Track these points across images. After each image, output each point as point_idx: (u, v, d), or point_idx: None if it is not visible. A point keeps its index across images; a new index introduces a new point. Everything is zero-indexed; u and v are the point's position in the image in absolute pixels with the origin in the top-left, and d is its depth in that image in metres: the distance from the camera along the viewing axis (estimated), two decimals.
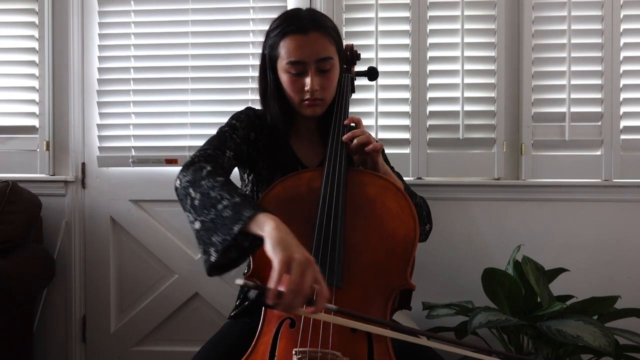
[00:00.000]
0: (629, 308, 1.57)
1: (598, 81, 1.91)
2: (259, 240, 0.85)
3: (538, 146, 1.92)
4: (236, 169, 1.30)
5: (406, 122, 1.95)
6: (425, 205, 1.28)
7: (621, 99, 1.90)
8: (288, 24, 1.15)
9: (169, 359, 2.01)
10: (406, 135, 1.95)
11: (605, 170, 1.90)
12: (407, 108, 1.95)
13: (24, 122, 2.05)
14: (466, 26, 1.93)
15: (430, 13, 1.94)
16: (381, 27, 1.96)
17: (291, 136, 1.28)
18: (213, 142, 1.14)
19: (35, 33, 2.03)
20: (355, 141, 1.11)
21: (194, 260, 2.00)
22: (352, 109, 1.96)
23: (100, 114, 2.03)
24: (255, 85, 1.29)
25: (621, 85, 1.90)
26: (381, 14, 1.96)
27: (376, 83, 1.94)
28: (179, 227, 2.01)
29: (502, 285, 1.53)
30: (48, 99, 2.03)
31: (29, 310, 1.91)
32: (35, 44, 2.04)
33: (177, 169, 2.04)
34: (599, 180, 1.90)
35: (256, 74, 1.27)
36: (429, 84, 1.94)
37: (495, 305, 1.60)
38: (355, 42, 1.94)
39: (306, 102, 1.17)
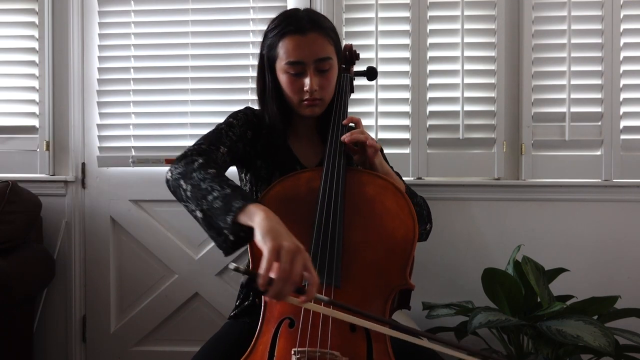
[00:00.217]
0: (629, 308, 1.57)
1: (598, 81, 1.91)
2: (252, 231, 0.87)
3: (538, 146, 1.92)
4: (235, 169, 1.30)
5: (406, 122, 1.95)
6: (425, 204, 1.28)
7: (621, 99, 1.90)
8: (286, 25, 1.15)
9: (169, 359, 2.01)
10: (406, 135, 1.95)
11: (605, 170, 1.90)
12: (407, 108, 1.95)
13: (24, 122, 2.06)
14: (466, 26, 1.93)
15: (430, 13, 1.94)
16: (381, 27, 1.96)
17: (290, 136, 1.28)
18: (208, 138, 1.15)
19: (35, 33, 2.03)
20: (351, 136, 1.11)
21: (194, 260, 2.00)
22: (352, 109, 1.97)
23: (100, 114, 2.03)
24: (255, 85, 1.29)
25: (621, 85, 1.90)
26: (381, 14, 1.96)
27: (376, 83, 1.94)
28: (179, 227, 2.01)
29: (502, 285, 1.53)
30: (48, 99, 2.03)
31: (29, 310, 1.91)
32: (35, 44, 2.04)
33: None
34: (599, 180, 1.90)
35: (256, 74, 1.27)
36: (429, 84, 1.94)
37: (495, 305, 1.60)
38: (355, 42, 1.95)
39: (305, 102, 1.17)
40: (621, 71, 1.90)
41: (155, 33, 2.03)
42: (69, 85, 2.03)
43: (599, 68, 1.91)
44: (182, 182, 1.00)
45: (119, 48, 2.03)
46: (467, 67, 1.93)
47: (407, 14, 1.95)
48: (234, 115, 1.25)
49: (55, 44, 2.04)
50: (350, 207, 1.04)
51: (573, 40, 1.91)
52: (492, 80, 1.93)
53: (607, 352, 1.30)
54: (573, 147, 1.92)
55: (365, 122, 1.94)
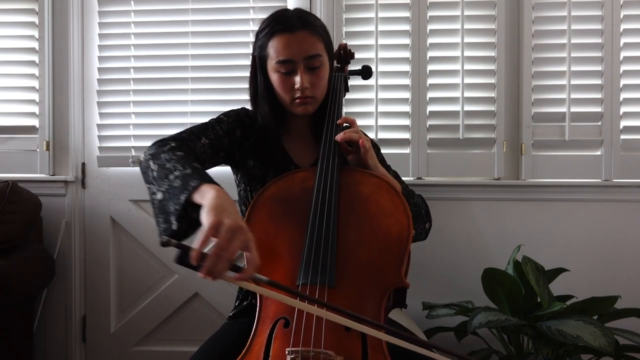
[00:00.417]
0: (629, 308, 1.57)
1: (598, 81, 1.91)
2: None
3: (538, 146, 1.92)
4: (230, 172, 1.31)
5: (406, 122, 1.95)
6: (424, 204, 1.28)
7: (621, 99, 1.90)
8: (275, 24, 1.16)
9: (169, 359, 2.01)
10: (406, 135, 1.95)
11: (605, 170, 1.90)
12: (407, 108, 1.95)
13: (24, 122, 2.06)
14: (466, 26, 1.93)
15: (430, 13, 1.94)
16: (381, 27, 1.96)
17: (284, 136, 1.28)
18: (191, 128, 1.18)
19: (35, 33, 2.03)
20: (344, 135, 1.11)
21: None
22: (352, 109, 1.97)
23: (100, 114, 2.03)
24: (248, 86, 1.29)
25: (621, 85, 1.90)
26: (381, 14, 1.96)
27: (376, 83, 1.94)
28: None
29: (502, 285, 1.53)
30: (48, 99, 2.03)
31: (29, 310, 1.91)
32: (35, 44, 2.04)
33: None
34: (599, 180, 1.90)
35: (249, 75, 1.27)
36: (429, 84, 1.94)
37: (495, 305, 1.60)
38: (355, 42, 1.95)
39: (297, 100, 1.17)
40: (621, 71, 1.90)
41: (155, 33, 2.03)
42: (69, 85, 2.03)
43: (599, 68, 1.91)
44: (151, 162, 1.01)
45: (119, 48, 2.03)
46: (467, 67, 1.93)
47: (407, 14, 1.95)
48: (226, 113, 1.27)
49: (55, 44, 2.04)
50: (344, 207, 1.04)
51: (573, 40, 1.91)
52: (492, 80, 1.93)
53: (607, 352, 1.30)
54: (573, 147, 1.92)
55: (365, 122, 1.95)
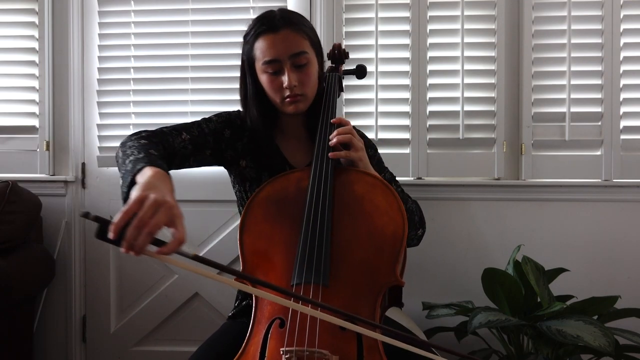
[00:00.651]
0: (629, 308, 1.57)
1: (598, 81, 1.91)
2: None
3: (538, 146, 1.92)
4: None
5: (406, 122, 1.95)
6: (418, 210, 1.27)
7: (621, 99, 1.90)
8: (260, 25, 1.16)
9: (169, 359, 2.00)
10: (406, 135, 1.95)
11: (605, 170, 1.90)
12: (407, 108, 1.95)
13: (24, 122, 2.06)
14: (466, 26, 1.93)
15: (430, 13, 1.94)
16: (381, 27, 1.96)
17: (278, 136, 1.28)
18: (177, 124, 1.20)
19: (35, 33, 2.03)
20: (334, 139, 1.12)
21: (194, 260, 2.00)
22: (353, 108, 1.97)
23: (100, 114, 2.03)
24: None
25: (621, 85, 1.90)
26: (381, 14, 1.96)
27: (376, 83, 1.94)
28: None
29: (502, 285, 1.53)
30: (48, 99, 2.03)
31: (29, 310, 1.91)
32: (35, 44, 2.04)
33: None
34: (599, 180, 1.90)
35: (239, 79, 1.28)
36: (429, 84, 1.94)
37: (495, 305, 1.60)
38: (355, 42, 1.95)
39: (287, 99, 1.18)
40: (621, 71, 1.90)
41: (155, 33, 2.03)
42: (69, 85, 2.03)
43: (599, 68, 1.91)
44: (119, 150, 1.04)
45: (119, 48, 2.03)
46: (467, 67, 1.93)
47: (407, 14, 1.95)
48: (218, 113, 1.29)
49: (55, 44, 2.04)
50: (339, 206, 1.04)
51: (573, 40, 1.91)
52: (492, 80, 1.93)
53: (607, 352, 1.30)
54: (573, 147, 1.92)
55: (365, 122, 1.95)
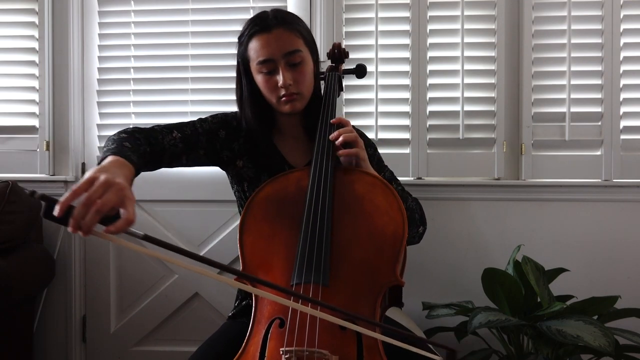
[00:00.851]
0: (629, 308, 1.57)
1: (598, 81, 1.91)
2: None
3: (538, 146, 1.92)
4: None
5: (406, 122, 1.95)
6: (418, 207, 1.27)
7: (621, 99, 1.90)
8: (253, 26, 1.17)
9: (169, 359, 2.00)
10: (406, 135, 1.95)
11: (605, 170, 1.90)
12: (407, 108, 1.95)
13: (24, 122, 2.05)
14: (466, 26, 1.93)
15: (430, 13, 1.94)
16: (381, 27, 1.96)
17: (276, 136, 1.28)
18: (170, 123, 1.21)
19: (35, 33, 2.03)
20: (341, 138, 1.12)
21: (193, 261, 2.00)
22: (353, 108, 1.97)
23: (100, 114, 2.03)
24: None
25: (621, 85, 1.90)
26: (381, 14, 1.96)
27: (376, 83, 1.94)
28: (179, 227, 2.01)
29: (502, 285, 1.53)
30: (48, 99, 2.03)
31: (29, 310, 1.91)
32: (35, 44, 2.04)
33: (177, 168, 2.05)
34: (599, 180, 1.90)
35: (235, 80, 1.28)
36: (429, 84, 1.94)
37: (495, 305, 1.60)
38: (355, 42, 1.95)
39: (283, 98, 1.17)
40: (621, 71, 1.90)
41: (155, 33, 2.03)
42: (69, 85, 2.03)
43: (599, 68, 1.91)
44: (105, 146, 1.06)
45: (119, 48, 2.03)
46: (467, 67, 1.93)
47: (407, 14, 1.95)
48: (214, 114, 1.29)
49: (55, 44, 2.04)
50: (339, 206, 1.04)
51: (573, 40, 1.91)
52: (492, 80, 1.93)
53: (607, 352, 1.30)
54: (573, 147, 1.92)
55: (365, 122, 1.95)
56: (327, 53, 1.42)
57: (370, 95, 1.95)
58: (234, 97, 1.97)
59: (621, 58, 1.90)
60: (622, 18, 1.90)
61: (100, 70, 2.03)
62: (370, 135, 1.90)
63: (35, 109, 2.04)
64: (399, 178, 1.36)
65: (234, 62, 1.97)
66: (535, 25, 1.92)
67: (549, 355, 1.49)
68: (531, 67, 1.92)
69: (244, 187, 1.25)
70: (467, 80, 1.93)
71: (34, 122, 2.04)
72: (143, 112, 2.02)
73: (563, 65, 1.91)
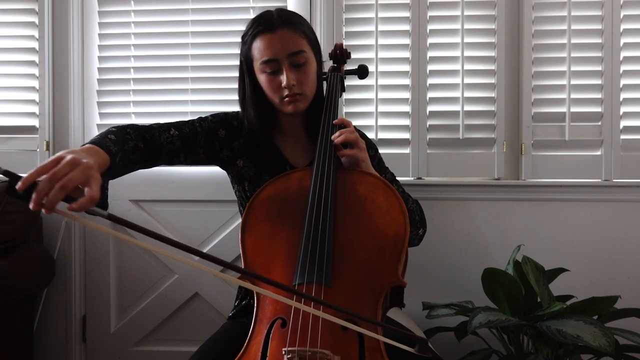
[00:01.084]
0: (629, 308, 1.57)
1: (598, 81, 1.91)
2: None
3: (538, 146, 1.92)
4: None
5: (406, 122, 1.95)
6: (419, 209, 1.27)
7: (621, 99, 1.90)
8: (257, 25, 1.17)
9: (169, 359, 2.00)
10: (406, 135, 1.95)
11: (605, 170, 1.90)
12: (407, 108, 1.95)
13: (24, 122, 2.05)
14: (466, 26, 1.93)
15: (430, 13, 1.94)
16: (381, 27, 1.96)
17: (277, 136, 1.28)
18: (170, 122, 1.22)
19: (35, 33, 2.03)
20: (341, 137, 1.12)
21: (194, 260, 2.00)
22: (352, 108, 1.97)
23: (100, 114, 2.03)
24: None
25: (621, 85, 1.90)
26: (381, 14, 1.96)
27: (376, 83, 1.94)
28: (179, 227, 2.01)
29: (502, 285, 1.53)
30: (48, 99, 2.03)
31: (29, 310, 1.91)
32: (35, 44, 2.03)
33: (177, 168, 2.05)
34: (599, 180, 1.90)
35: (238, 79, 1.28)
36: (429, 84, 1.94)
37: (495, 305, 1.60)
38: (355, 42, 1.95)
39: (286, 99, 1.17)
40: (621, 71, 1.90)
41: (155, 33, 2.03)
42: (69, 85, 2.03)
43: (599, 68, 1.91)
44: None
45: (119, 48, 2.03)
46: (467, 67, 1.93)
47: (407, 14, 1.95)
48: (215, 113, 1.29)
49: (55, 44, 2.04)
50: (341, 206, 1.04)
51: (573, 40, 1.91)
52: (492, 80, 1.93)
53: (607, 352, 1.30)
54: (573, 147, 1.92)
55: (365, 122, 1.95)
56: (329, 54, 1.42)
57: (370, 95, 1.95)
58: (234, 97, 1.97)
59: (621, 58, 1.90)
60: (622, 18, 1.90)
61: (100, 70, 2.03)
62: (370, 135, 1.90)
63: (35, 109, 2.04)
64: (399, 178, 1.36)
65: (234, 62, 1.97)
66: (535, 25, 1.92)
67: (549, 355, 1.49)
68: (531, 67, 1.92)
69: (245, 187, 1.25)
70: (467, 80, 1.93)
71: (34, 122, 2.04)
72: (143, 112, 2.02)
73: (563, 65, 1.91)
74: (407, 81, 1.95)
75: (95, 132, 2.03)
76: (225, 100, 1.99)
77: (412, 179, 1.94)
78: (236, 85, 1.96)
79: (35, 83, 2.04)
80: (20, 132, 2.05)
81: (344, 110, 1.96)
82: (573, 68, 1.91)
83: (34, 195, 0.72)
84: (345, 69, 1.43)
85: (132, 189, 2.02)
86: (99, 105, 2.03)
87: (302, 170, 1.14)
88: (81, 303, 2.04)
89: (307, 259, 0.96)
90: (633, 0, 1.90)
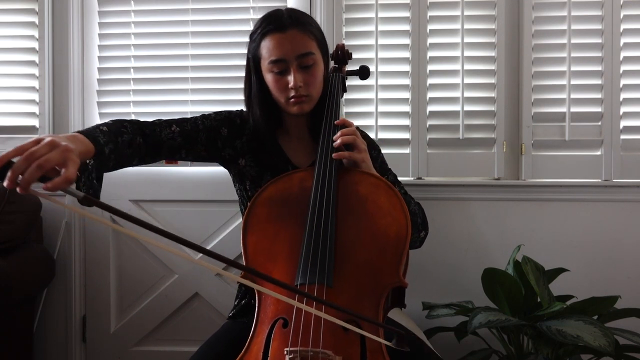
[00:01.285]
0: (629, 308, 1.57)
1: (598, 81, 1.91)
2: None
3: (538, 146, 1.92)
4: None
5: (406, 122, 1.95)
6: (421, 212, 1.27)
7: (621, 99, 1.90)
8: (267, 24, 1.16)
9: (169, 359, 2.00)
10: (406, 135, 1.95)
11: (605, 170, 1.90)
12: (407, 108, 1.95)
13: (24, 122, 2.05)
14: (466, 26, 1.93)
15: (430, 13, 1.94)
16: (381, 27, 1.96)
17: (281, 136, 1.28)
18: (172, 118, 1.22)
19: (35, 33, 2.03)
20: (338, 140, 1.12)
21: (194, 260, 2.00)
22: (352, 108, 1.97)
23: (100, 114, 2.03)
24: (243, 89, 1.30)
25: (621, 85, 1.90)
26: (381, 14, 1.96)
27: (376, 83, 1.94)
28: (179, 227, 2.01)
29: (502, 285, 1.53)
30: (48, 99, 2.03)
31: (29, 310, 1.91)
32: (35, 44, 2.04)
33: (177, 169, 2.05)
34: (599, 180, 1.90)
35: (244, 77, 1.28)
36: (429, 84, 1.94)
37: (495, 305, 1.60)
38: (355, 42, 1.95)
39: (292, 100, 1.17)
40: (621, 71, 1.90)
41: (155, 33, 2.03)
42: (69, 85, 2.03)
43: (599, 68, 1.91)
44: None
45: (119, 48, 2.03)
46: (467, 67, 1.93)
47: (407, 14, 1.95)
48: (218, 111, 1.29)
49: (55, 44, 2.04)
50: (342, 207, 1.04)
51: (573, 40, 1.91)
52: (492, 80, 1.93)
53: (607, 352, 1.30)
54: (573, 147, 1.92)
55: (365, 122, 1.95)
56: (331, 54, 1.42)
57: (370, 95, 1.95)
58: (234, 97, 1.99)
59: (621, 58, 1.90)
60: (622, 18, 1.90)
61: (100, 70, 2.03)
62: (371, 135, 1.89)
63: (35, 109, 2.04)
64: (399, 178, 1.36)
65: (235, 62, 2.00)
66: (535, 25, 1.92)
67: (549, 355, 1.49)
68: (531, 67, 1.92)
69: (246, 186, 1.25)
70: (467, 80, 1.93)
71: (34, 122, 2.04)
72: (143, 112, 2.02)
73: (563, 65, 1.91)
74: (407, 81, 1.95)
75: None
76: (226, 100, 2.00)
77: (412, 179, 1.94)
78: (236, 86, 1.99)
79: (35, 83, 2.04)
80: (20, 132, 2.05)
81: (344, 110, 1.96)
82: (573, 68, 1.91)
83: (9, 173, 0.72)
84: (346, 69, 1.43)
85: (132, 189, 2.02)
86: (99, 105, 2.03)
87: (304, 170, 1.14)
88: (81, 303, 2.04)
89: (309, 259, 0.95)
90: (633, 0, 1.90)
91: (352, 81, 1.83)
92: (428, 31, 1.94)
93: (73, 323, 2.03)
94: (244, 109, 1.29)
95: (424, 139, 1.94)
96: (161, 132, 1.16)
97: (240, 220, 1.87)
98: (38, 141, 0.77)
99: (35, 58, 2.03)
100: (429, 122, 1.94)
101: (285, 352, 0.86)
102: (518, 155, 1.94)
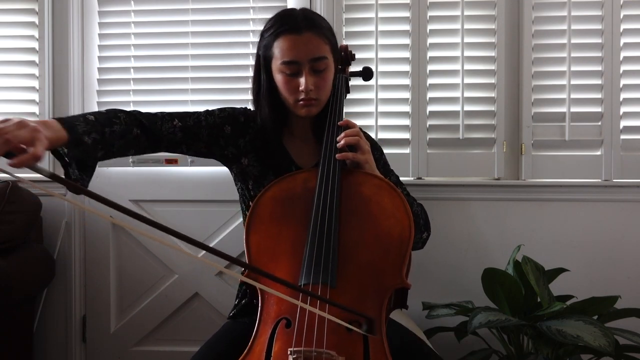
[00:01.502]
0: (629, 308, 1.57)
1: (598, 81, 1.91)
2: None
3: (538, 146, 1.92)
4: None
5: (406, 122, 1.95)
6: (423, 213, 1.27)
7: (621, 99, 1.90)
8: (281, 24, 1.15)
9: (169, 359, 2.00)
10: (406, 135, 1.95)
11: (605, 170, 1.90)
12: (407, 108, 1.95)
13: None
14: (466, 26, 1.93)
15: (430, 13, 1.94)
16: (381, 27, 1.96)
17: (285, 136, 1.28)
18: (176, 112, 1.21)
19: (35, 33, 2.03)
20: (342, 141, 1.12)
21: (193, 260, 2.00)
22: (352, 108, 1.97)
23: None
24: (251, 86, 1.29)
25: (621, 85, 1.90)
26: (381, 14, 1.96)
27: (376, 83, 1.94)
28: (179, 227, 2.00)
29: (502, 285, 1.53)
30: (48, 99, 2.03)
31: (29, 310, 1.91)
32: (35, 44, 2.03)
33: (177, 169, 2.05)
34: (599, 180, 1.90)
35: (252, 74, 1.27)
36: (429, 84, 1.94)
37: (495, 305, 1.60)
38: (355, 42, 1.95)
39: (301, 102, 1.17)
40: (621, 71, 1.90)
41: (155, 33, 2.03)
42: (69, 85, 2.03)
43: (599, 68, 1.91)
44: None
45: (119, 48, 2.03)
46: (467, 67, 1.93)
47: (407, 14, 1.95)
48: (222, 108, 1.28)
49: (55, 44, 2.04)
50: (346, 207, 1.04)
51: (573, 40, 1.91)
52: (492, 80, 1.93)
53: (607, 352, 1.30)
54: (573, 147, 1.92)
55: (365, 122, 1.95)
56: None
57: (370, 95, 1.95)
58: (234, 97, 1.99)
59: (621, 58, 1.90)
60: (622, 18, 1.90)
61: (100, 70, 2.03)
62: (371, 135, 1.90)
63: (35, 109, 2.04)
64: (399, 178, 1.36)
65: (235, 62, 2.00)
66: (535, 25, 1.92)
67: (549, 355, 1.49)
68: (531, 67, 1.92)
69: (249, 186, 1.25)
70: (467, 80, 1.93)
71: None
72: None
73: (563, 65, 1.91)
74: (407, 81, 1.95)
75: None
76: (226, 100, 1.99)
77: (412, 179, 1.94)
78: (237, 86, 1.99)
79: (35, 83, 2.04)
80: None
81: (344, 110, 1.96)
82: (573, 68, 1.91)
83: None
84: (350, 70, 1.43)
85: (132, 189, 2.02)
86: (99, 105, 2.03)
87: (308, 171, 1.14)
88: (81, 303, 2.04)
89: (312, 260, 0.95)
90: (633, 0, 1.90)
91: (352, 81, 1.83)
92: (428, 31, 1.94)
93: (73, 323, 2.03)
94: (248, 107, 1.29)
95: (424, 139, 1.94)
96: (162, 125, 1.15)
97: (240, 220, 1.87)
98: (7, 120, 0.79)
99: (35, 58, 2.03)
100: (429, 122, 1.94)
101: (289, 352, 0.86)
102: (518, 155, 1.94)
